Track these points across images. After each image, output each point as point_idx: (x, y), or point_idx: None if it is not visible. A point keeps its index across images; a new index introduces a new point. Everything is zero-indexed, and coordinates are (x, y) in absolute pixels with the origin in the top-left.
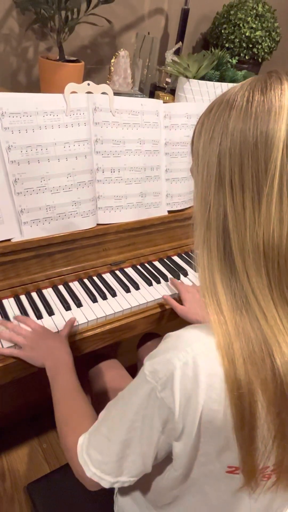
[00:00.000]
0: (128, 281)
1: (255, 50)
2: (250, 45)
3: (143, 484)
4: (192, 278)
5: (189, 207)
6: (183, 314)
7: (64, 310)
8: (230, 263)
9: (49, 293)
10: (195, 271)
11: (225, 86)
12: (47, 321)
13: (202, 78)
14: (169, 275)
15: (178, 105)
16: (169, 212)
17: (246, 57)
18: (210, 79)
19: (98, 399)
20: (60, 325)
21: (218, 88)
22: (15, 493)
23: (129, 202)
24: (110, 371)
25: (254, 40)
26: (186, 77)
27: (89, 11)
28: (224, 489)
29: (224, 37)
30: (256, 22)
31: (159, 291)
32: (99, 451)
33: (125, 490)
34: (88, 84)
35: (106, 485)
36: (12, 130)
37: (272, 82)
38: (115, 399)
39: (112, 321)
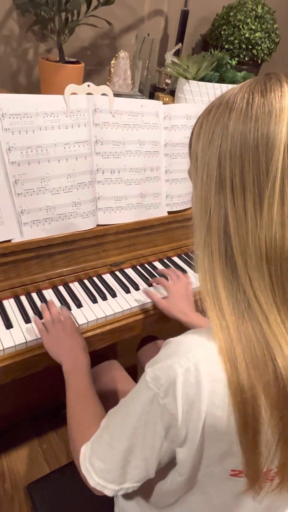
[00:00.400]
0: (128, 282)
1: (254, 51)
2: (250, 47)
3: (145, 487)
4: (192, 279)
5: (189, 208)
6: (166, 310)
7: None
8: (231, 267)
9: (49, 293)
10: (194, 271)
11: (225, 87)
12: None
13: (202, 79)
14: None
15: (177, 106)
16: (169, 213)
17: (246, 59)
18: (209, 80)
19: None
20: None
21: (217, 89)
22: (15, 493)
23: (129, 203)
24: (110, 372)
25: (253, 41)
26: (186, 78)
27: (89, 12)
28: (228, 491)
29: (223, 39)
30: (256, 23)
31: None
32: (101, 459)
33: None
34: (88, 86)
35: (110, 493)
36: (12, 131)
37: (272, 84)
38: (116, 406)
39: (112, 322)
